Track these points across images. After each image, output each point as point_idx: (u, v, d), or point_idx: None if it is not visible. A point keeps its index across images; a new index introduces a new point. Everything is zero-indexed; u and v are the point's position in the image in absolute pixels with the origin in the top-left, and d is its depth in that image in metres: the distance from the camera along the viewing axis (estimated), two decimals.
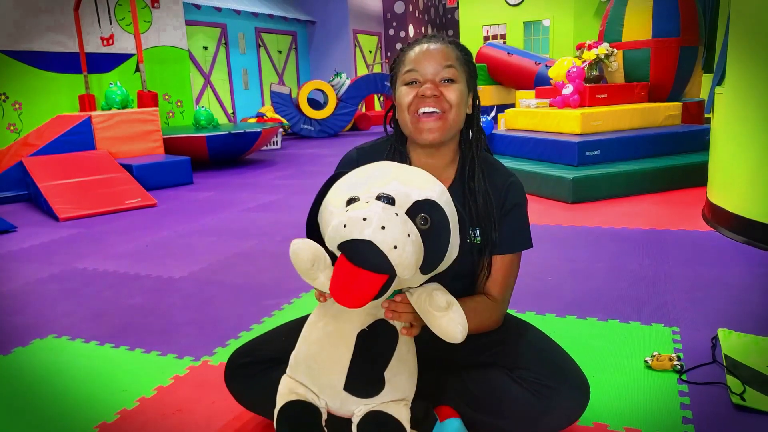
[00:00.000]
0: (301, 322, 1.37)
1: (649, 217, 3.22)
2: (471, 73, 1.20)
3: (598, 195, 3.71)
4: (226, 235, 3.35)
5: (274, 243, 3.10)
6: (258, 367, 1.25)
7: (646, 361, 1.57)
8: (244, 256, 2.88)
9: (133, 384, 1.62)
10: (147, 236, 3.40)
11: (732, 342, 1.65)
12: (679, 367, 1.52)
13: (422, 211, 0.92)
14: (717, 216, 2.93)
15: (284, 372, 1.15)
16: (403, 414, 1.01)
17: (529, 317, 1.91)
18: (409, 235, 0.88)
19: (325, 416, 1.03)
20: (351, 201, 0.94)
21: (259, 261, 2.78)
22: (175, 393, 1.56)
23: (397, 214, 0.89)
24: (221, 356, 1.76)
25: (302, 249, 0.96)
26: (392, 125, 1.28)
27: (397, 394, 1.02)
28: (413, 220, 0.91)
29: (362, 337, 0.99)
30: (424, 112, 1.13)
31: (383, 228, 0.86)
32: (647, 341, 1.73)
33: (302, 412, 1.01)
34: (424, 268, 0.94)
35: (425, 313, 0.97)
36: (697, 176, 3.76)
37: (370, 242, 0.86)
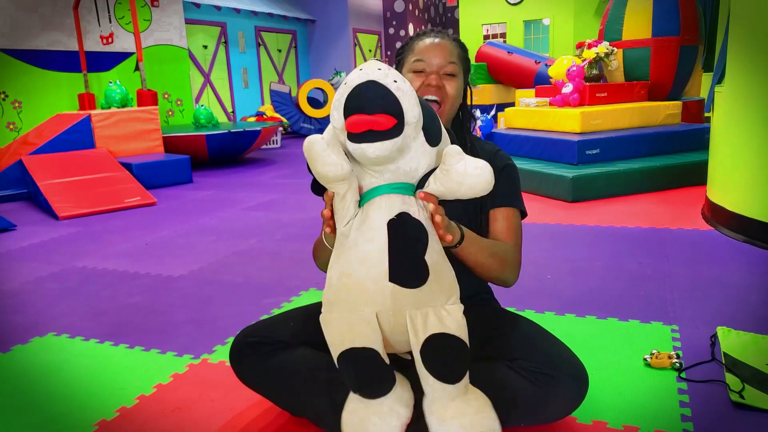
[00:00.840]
0: (308, 309, 1.38)
1: (649, 216, 3.22)
2: (467, 69, 1.34)
3: (598, 194, 3.71)
4: (226, 233, 3.35)
5: (273, 242, 3.10)
6: (264, 348, 1.27)
7: (645, 359, 1.57)
8: (243, 255, 2.88)
9: (133, 382, 1.62)
10: (147, 235, 3.40)
11: (731, 340, 1.65)
12: (678, 365, 1.52)
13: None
14: (716, 215, 2.93)
15: (289, 355, 1.21)
16: (457, 323, 0.98)
17: (529, 315, 1.91)
18: (405, 80, 0.95)
19: (382, 350, 0.99)
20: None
21: (259, 260, 2.78)
22: (174, 391, 1.57)
23: (387, 66, 0.96)
24: (221, 354, 1.76)
25: (315, 137, 0.99)
26: None
27: (443, 284, 0.99)
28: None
29: (393, 224, 0.98)
30: (426, 100, 1.20)
31: (379, 69, 0.93)
32: (646, 339, 1.73)
33: (359, 355, 0.99)
34: (429, 136, 0.98)
35: (446, 177, 0.99)
36: (697, 175, 3.76)
37: (373, 80, 0.92)
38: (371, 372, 1.00)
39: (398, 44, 14.44)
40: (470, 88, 1.36)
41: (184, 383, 1.61)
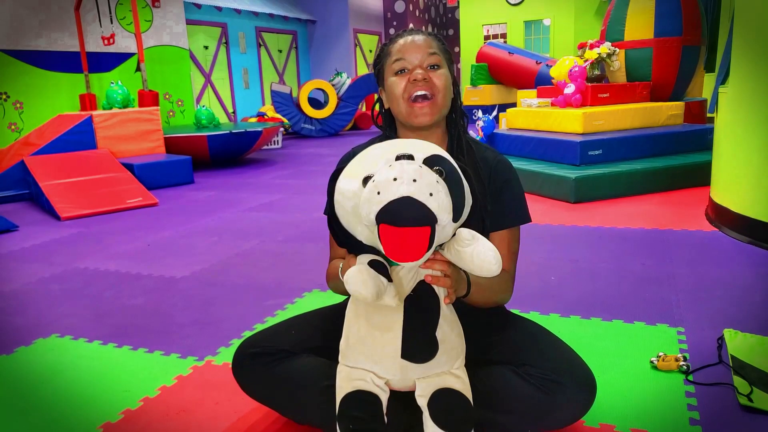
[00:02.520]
0: (309, 315, 1.37)
1: (652, 217, 3.21)
2: (450, 60, 1.28)
3: (601, 195, 3.70)
4: (228, 234, 3.34)
5: (275, 242, 3.10)
6: (266, 358, 1.25)
7: (651, 362, 1.56)
8: (246, 256, 2.87)
9: (137, 384, 1.62)
10: (148, 236, 3.40)
11: (738, 342, 1.64)
12: (685, 367, 1.52)
13: (435, 165, 0.96)
14: (720, 216, 2.92)
15: (292, 364, 1.20)
16: (463, 383, 1.04)
17: (533, 317, 1.91)
18: (437, 182, 0.92)
19: (386, 400, 1.03)
20: (366, 180, 0.96)
21: (261, 261, 2.77)
22: (178, 393, 1.56)
23: (420, 167, 0.93)
24: (225, 356, 1.76)
25: (361, 283, 0.95)
26: (380, 118, 1.35)
27: (451, 354, 1.05)
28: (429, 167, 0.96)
29: (410, 301, 1.01)
30: (416, 96, 1.20)
31: (414, 180, 0.90)
32: (652, 342, 1.72)
33: (362, 400, 1.02)
34: (454, 215, 0.96)
35: (456, 255, 0.99)
36: (700, 176, 3.75)
37: (408, 197, 0.89)
38: (374, 417, 1.03)
39: None
40: (457, 82, 1.31)
41: (188, 385, 1.60)
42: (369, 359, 1.04)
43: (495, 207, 1.25)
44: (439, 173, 0.94)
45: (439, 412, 1.00)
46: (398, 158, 0.96)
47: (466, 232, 0.98)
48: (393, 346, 1.01)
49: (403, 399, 1.07)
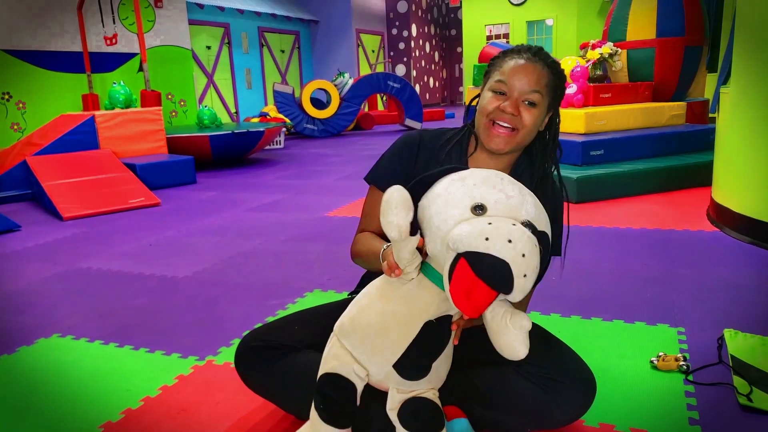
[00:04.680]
0: (313, 312, 1.38)
1: (654, 217, 3.21)
2: (557, 98, 1.23)
3: (603, 195, 3.70)
4: (230, 234, 3.35)
5: (277, 243, 3.10)
6: (269, 352, 1.26)
7: (651, 362, 1.56)
8: (247, 256, 2.88)
9: (138, 384, 1.62)
10: (151, 236, 3.41)
11: (738, 342, 1.64)
12: (685, 367, 1.52)
13: (541, 244, 0.93)
14: (722, 216, 2.91)
15: (294, 359, 1.21)
16: (434, 396, 1.07)
17: (534, 317, 1.91)
18: (536, 267, 0.90)
19: (360, 389, 1.06)
20: (478, 208, 0.94)
21: (263, 261, 2.78)
22: (179, 393, 1.56)
23: (535, 246, 0.90)
24: (226, 356, 1.76)
25: (397, 190, 0.94)
26: (471, 114, 1.32)
27: (434, 382, 1.07)
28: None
29: (428, 327, 1.01)
30: (498, 123, 1.19)
31: (524, 256, 0.87)
32: (653, 342, 1.72)
33: (338, 384, 1.04)
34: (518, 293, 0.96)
35: (499, 327, 0.97)
36: (702, 176, 3.74)
37: (508, 264, 0.87)
38: (346, 400, 1.05)
39: (401, 45, 14.43)
40: (558, 119, 1.26)
41: (189, 385, 1.60)
42: (363, 347, 1.04)
43: None
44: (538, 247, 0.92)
45: (409, 415, 1.02)
46: (524, 224, 0.93)
47: (525, 320, 0.96)
48: (392, 352, 1.02)
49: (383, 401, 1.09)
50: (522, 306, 1.24)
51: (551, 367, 1.14)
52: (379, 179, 1.32)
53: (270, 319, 2.04)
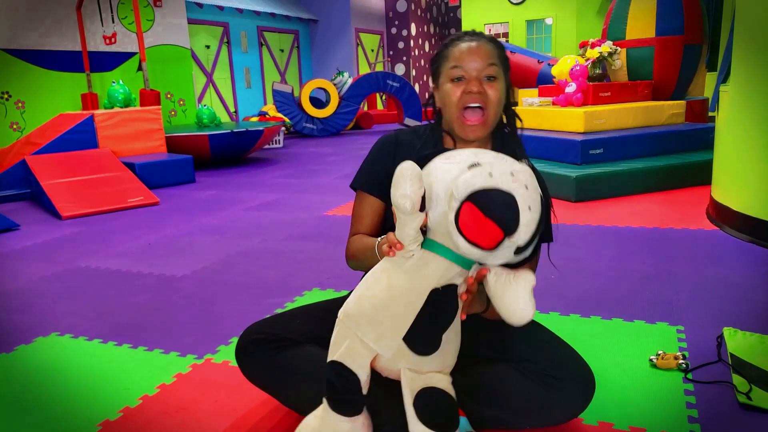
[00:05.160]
0: (314, 306, 1.37)
1: (653, 216, 3.21)
2: (507, 68, 1.26)
3: (602, 194, 3.70)
4: (229, 233, 3.34)
5: (276, 241, 3.10)
6: (270, 345, 1.26)
7: (651, 360, 1.56)
8: (246, 255, 2.87)
9: (136, 382, 1.62)
10: (149, 235, 3.40)
11: (737, 341, 1.64)
12: (684, 366, 1.51)
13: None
14: (721, 215, 2.91)
15: (295, 352, 1.21)
16: (449, 384, 1.05)
17: (534, 316, 1.91)
18: (540, 201, 0.92)
19: (364, 378, 1.04)
20: (475, 166, 0.96)
21: (262, 259, 2.78)
22: (178, 391, 1.56)
23: (535, 182, 0.94)
24: (224, 354, 1.76)
25: (410, 165, 0.97)
26: (434, 115, 1.35)
27: (446, 361, 1.06)
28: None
29: (434, 294, 1.01)
30: (467, 108, 1.20)
31: (527, 188, 0.90)
32: (652, 340, 1.72)
33: (341, 373, 1.04)
34: (526, 244, 0.96)
35: (504, 287, 0.98)
36: (701, 175, 3.74)
37: (512, 196, 0.89)
38: (348, 390, 1.05)
39: (400, 44, 14.43)
40: (513, 88, 1.31)
41: (187, 383, 1.60)
42: (371, 325, 1.02)
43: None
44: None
45: (425, 409, 1.01)
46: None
47: (531, 276, 0.97)
48: (402, 324, 1.01)
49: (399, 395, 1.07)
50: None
51: (550, 365, 1.14)
52: (363, 184, 1.35)
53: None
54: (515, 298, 0.97)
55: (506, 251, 0.94)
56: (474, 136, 1.22)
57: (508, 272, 0.99)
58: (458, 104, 1.21)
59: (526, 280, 0.97)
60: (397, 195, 0.95)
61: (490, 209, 0.90)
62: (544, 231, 1.23)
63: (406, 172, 0.94)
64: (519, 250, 0.95)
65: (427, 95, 1.41)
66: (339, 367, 1.03)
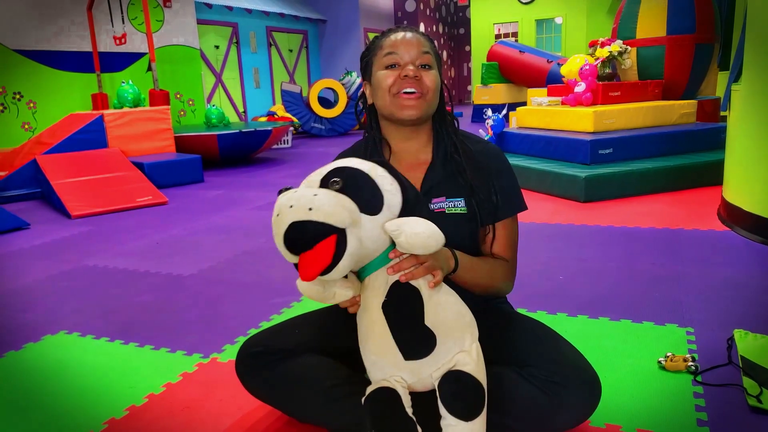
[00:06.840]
0: (313, 315, 1.37)
1: (663, 217, 3.18)
2: (440, 62, 1.27)
3: (611, 194, 3.67)
4: (236, 233, 3.35)
5: None
6: (269, 357, 1.25)
7: (659, 362, 1.54)
8: (253, 254, 2.88)
9: (142, 380, 1.62)
10: (158, 234, 3.42)
11: (748, 343, 1.62)
12: (693, 368, 1.49)
13: (331, 177, 0.98)
14: (733, 215, 2.88)
15: (295, 363, 1.21)
16: (475, 362, 1.03)
17: (541, 317, 1.89)
18: (315, 195, 0.93)
19: (405, 395, 1.03)
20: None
21: (269, 259, 2.78)
22: (183, 390, 1.56)
23: (295, 191, 0.96)
24: (230, 353, 1.76)
25: (307, 286, 1.03)
26: (365, 116, 1.35)
27: (456, 335, 1.04)
28: (326, 186, 0.97)
29: (386, 307, 1.02)
30: (405, 92, 1.19)
31: (291, 206, 0.92)
32: (661, 342, 1.70)
33: (380, 401, 1.02)
34: (366, 208, 0.96)
35: (399, 245, 0.99)
36: (712, 175, 3.70)
37: (292, 223, 0.92)
38: (393, 408, 1.02)
39: None
40: (446, 86, 1.30)
41: (193, 382, 1.60)
42: (378, 366, 1.04)
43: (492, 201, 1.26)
44: (335, 183, 0.96)
45: (448, 396, 1.00)
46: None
47: (390, 224, 0.97)
48: (392, 351, 1.02)
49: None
50: (505, 248, 1.28)
51: (554, 370, 1.11)
52: None
53: (275, 316, 2.04)
54: (411, 242, 0.97)
55: (359, 224, 0.95)
56: (411, 114, 1.20)
57: (400, 222, 0.99)
58: (393, 88, 1.19)
59: (414, 219, 0.98)
60: (332, 302, 1.03)
61: (295, 246, 0.94)
62: (515, 200, 1.28)
63: (301, 286, 1.01)
64: (366, 210, 0.95)
65: (357, 103, 1.41)
66: (377, 395, 1.02)
